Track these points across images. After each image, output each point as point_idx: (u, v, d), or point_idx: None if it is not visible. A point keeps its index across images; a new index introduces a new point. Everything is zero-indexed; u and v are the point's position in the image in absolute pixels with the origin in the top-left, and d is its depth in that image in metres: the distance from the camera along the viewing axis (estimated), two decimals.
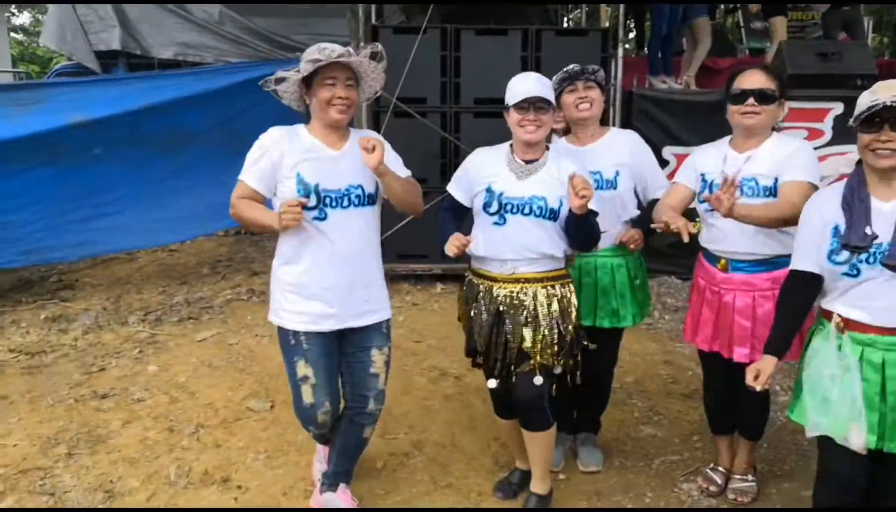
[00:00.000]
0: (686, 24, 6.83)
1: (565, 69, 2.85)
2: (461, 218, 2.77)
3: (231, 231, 7.80)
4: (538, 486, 2.79)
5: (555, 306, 2.58)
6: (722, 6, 8.77)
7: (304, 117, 2.60)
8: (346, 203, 2.47)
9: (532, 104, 2.50)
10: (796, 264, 2.23)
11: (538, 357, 2.56)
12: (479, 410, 3.64)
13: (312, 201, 2.42)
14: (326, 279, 2.48)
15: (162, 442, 3.29)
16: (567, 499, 2.91)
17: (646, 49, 6.71)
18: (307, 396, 2.54)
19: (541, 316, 2.56)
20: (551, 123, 2.64)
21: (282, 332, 2.56)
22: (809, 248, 2.17)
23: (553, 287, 2.61)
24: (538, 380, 2.58)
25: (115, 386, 3.92)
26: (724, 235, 2.66)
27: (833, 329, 2.11)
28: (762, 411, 2.87)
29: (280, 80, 2.48)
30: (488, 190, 2.60)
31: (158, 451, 3.21)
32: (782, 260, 2.48)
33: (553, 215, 2.55)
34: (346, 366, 2.64)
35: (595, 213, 2.56)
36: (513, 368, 2.61)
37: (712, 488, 2.93)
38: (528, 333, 2.57)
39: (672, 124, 5.78)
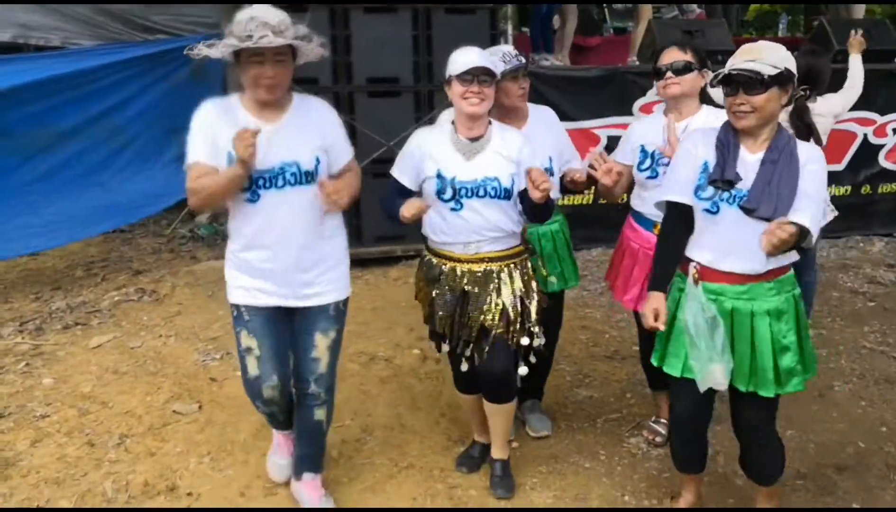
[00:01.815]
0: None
1: (518, 59, 2.81)
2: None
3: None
4: (501, 452, 2.82)
5: (518, 283, 2.60)
6: None
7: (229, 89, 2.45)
8: (280, 183, 2.33)
9: (475, 76, 2.44)
10: (672, 195, 2.32)
11: (504, 333, 2.57)
12: (419, 390, 3.63)
13: (245, 183, 2.29)
14: (265, 260, 2.40)
15: (85, 458, 2.99)
16: (526, 465, 2.96)
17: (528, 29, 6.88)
18: (252, 367, 2.45)
19: (505, 294, 2.57)
20: (492, 97, 2.57)
21: (231, 306, 2.49)
22: (684, 181, 2.29)
23: (515, 265, 2.62)
24: (504, 355, 2.60)
25: (8, 404, 3.49)
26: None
27: (690, 281, 2.26)
28: None
29: (201, 52, 2.28)
30: (439, 176, 2.53)
31: (84, 467, 2.91)
32: None
33: (507, 194, 2.53)
34: (293, 346, 2.54)
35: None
36: (480, 344, 2.60)
37: (658, 439, 3.10)
38: (493, 310, 2.56)
39: (559, 100, 5.96)
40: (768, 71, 2.08)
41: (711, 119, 2.76)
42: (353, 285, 5.32)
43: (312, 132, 2.41)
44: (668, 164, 2.77)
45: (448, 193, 2.53)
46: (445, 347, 2.71)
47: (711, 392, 2.28)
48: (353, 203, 2.49)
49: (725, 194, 2.18)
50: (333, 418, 3.24)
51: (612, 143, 5.31)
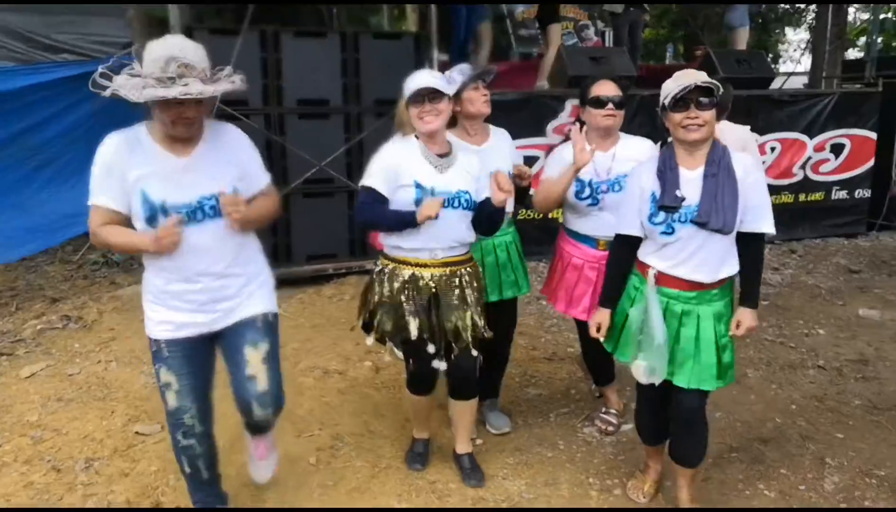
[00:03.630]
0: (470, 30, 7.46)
1: (479, 68, 3.06)
2: None
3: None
4: (465, 446, 3.04)
5: (475, 284, 2.83)
6: (490, 15, 9.70)
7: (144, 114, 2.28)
8: (199, 217, 2.27)
9: (424, 96, 2.64)
10: (622, 229, 2.61)
11: (472, 332, 2.77)
12: (378, 399, 3.76)
13: (161, 221, 2.22)
14: (185, 292, 2.34)
15: (54, 483, 2.92)
16: (494, 459, 3.17)
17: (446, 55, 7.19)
18: (171, 400, 2.41)
19: (467, 294, 2.78)
20: (448, 112, 2.75)
21: (150, 341, 2.42)
22: (632, 215, 2.56)
23: (471, 268, 2.85)
24: (474, 352, 2.82)
25: None
26: (604, 224, 3.05)
27: (649, 284, 2.53)
28: None
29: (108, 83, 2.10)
30: (418, 186, 2.69)
31: (57, 491, 2.86)
32: None
33: (474, 207, 2.78)
34: (227, 368, 2.48)
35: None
36: (451, 345, 2.78)
37: (610, 429, 3.41)
38: (460, 311, 2.76)
39: None
40: (715, 89, 2.37)
41: (633, 151, 3.04)
42: (288, 304, 5.47)
43: (228, 162, 2.33)
44: (606, 192, 3.05)
45: None
46: (431, 348, 2.76)
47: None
48: (262, 224, 2.46)
49: (675, 215, 2.44)
50: (301, 428, 3.36)
51: (528, 163, 5.64)
